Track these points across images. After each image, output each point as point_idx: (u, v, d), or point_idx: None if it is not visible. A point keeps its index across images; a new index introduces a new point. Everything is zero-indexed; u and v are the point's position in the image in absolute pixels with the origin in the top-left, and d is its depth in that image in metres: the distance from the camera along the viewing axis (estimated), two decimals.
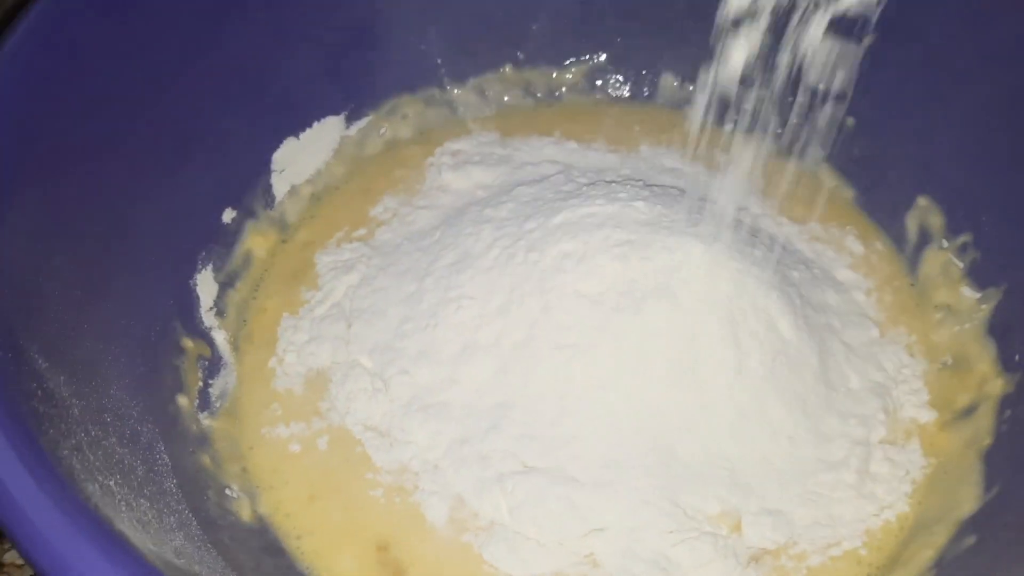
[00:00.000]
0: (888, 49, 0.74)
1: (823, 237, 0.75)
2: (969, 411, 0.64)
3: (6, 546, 0.65)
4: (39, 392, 0.44)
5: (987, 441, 0.62)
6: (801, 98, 0.80)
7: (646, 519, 0.58)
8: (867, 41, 0.75)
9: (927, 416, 0.65)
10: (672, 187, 0.75)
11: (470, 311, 0.66)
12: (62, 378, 0.48)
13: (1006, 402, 0.62)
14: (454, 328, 0.66)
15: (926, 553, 0.57)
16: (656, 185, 0.74)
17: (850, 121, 0.78)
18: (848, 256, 0.74)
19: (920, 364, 0.68)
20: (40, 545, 0.35)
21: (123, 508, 0.45)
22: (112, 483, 0.46)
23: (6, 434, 0.38)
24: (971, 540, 0.56)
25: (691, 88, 0.84)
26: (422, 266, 0.71)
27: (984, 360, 0.65)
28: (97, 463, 0.46)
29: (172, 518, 0.52)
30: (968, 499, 0.59)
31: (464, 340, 0.65)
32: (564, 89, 0.86)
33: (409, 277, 0.70)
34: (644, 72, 0.84)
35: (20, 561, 0.64)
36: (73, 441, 0.44)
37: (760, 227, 0.74)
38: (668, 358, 0.61)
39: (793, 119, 0.80)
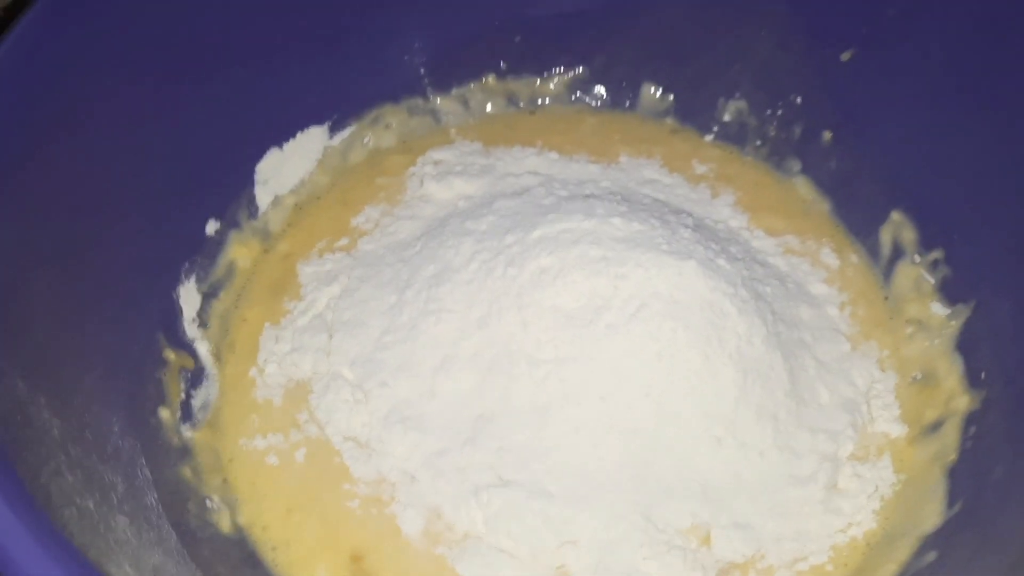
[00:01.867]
0: (866, 63, 0.75)
1: (798, 250, 0.76)
2: (936, 426, 0.65)
3: None
4: (19, 417, 0.45)
5: (952, 457, 0.63)
6: (780, 111, 0.81)
7: (619, 533, 0.59)
8: (846, 56, 0.76)
9: (898, 431, 0.67)
10: (651, 199, 0.76)
11: (449, 324, 0.67)
12: (43, 399, 0.49)
13: (971, 419, 0.64)
14: (433, 341, 0.67)
15: (889, 567, 0.59)
16: (635, 198, 0.75)
17: (827, 135, 0.79)
18: (823, 270, 0.75)
19: (891, 378, 0.69)
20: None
21: (101, 529, 0.46)
22: (91, 503, 0.47)
23: None
24: (932, 556, 0.57)
25: (671, 98, 0.85)
26: (403, 278, 0.72)
27: (952, 376, 0.67)
28: (76, 484, 0.47)
29: (152, 534, 0.53)
30: (931, 515, 0.60)
31: (443, 353, 0.66)
32: (547, 99, 0.86)
33: (390, 289, 0.71)
34: (624, 83, 0.85)
35: None
36: (52, 465, 0.45)
37: (735, 240, 0.75)
38: (642, 374, 0.62)
39: (771, 131, 0.81)
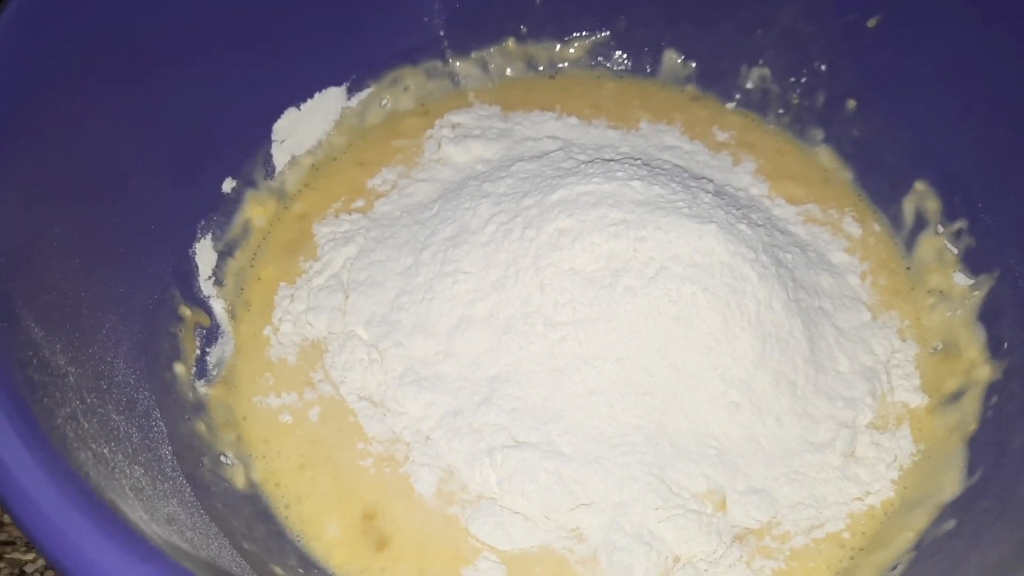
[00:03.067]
0: (893, 30, 0.74)
1: (820, 219, 0.76)
2: (956, 396, 0.65)
3: None
4: (34, 361, 0.45)
5: (972, 427, 0.62)
6: (804, 78, 0.80)
7: (633, 494, 0.59)
8: (872, 22, 0.75)
9: (918, 400, 0.66)
10: (671, 164, 0.76)
11: (466, 285, 0.66)
12: (59, 346, 0.49)
13: (993, 388, 0.63)
14: (449, 302, 0.66)
15: (906, 535, 0.58)
16: (655, 164, 0.74)
17: (851, 103, 0.78)
18: (844, 239, 0.74)
19: (912, 348, 0.69)
20: (31, 512, 0.36)
21: (116, 475, 0.46)
22: (106, 451, 0.47)
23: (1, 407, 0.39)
24: (951, 524, 0.57)
25: (693, 65, 0.84)
26: (420, 239, 0.71)
27: (973, 346, 0.66)
28: (92, 431, 0.47)
29: (166, 484, 0.53)
30: (951, 483, 0.60)
31: (459, 314, 0.66)
32: (566, 64, 0.85)
33: (406, 250, 0.71)
34: (646, 49, 0.84)
35: None
36: (68, 409, 0.45)
37: (756, 207, 0.74)
38: (659, 336, 0.62)
39: (794, 99, 0.80)
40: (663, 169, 0.73)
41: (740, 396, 0.62)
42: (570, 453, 0.60)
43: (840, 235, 0.75)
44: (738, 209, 0.69)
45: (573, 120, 0.81)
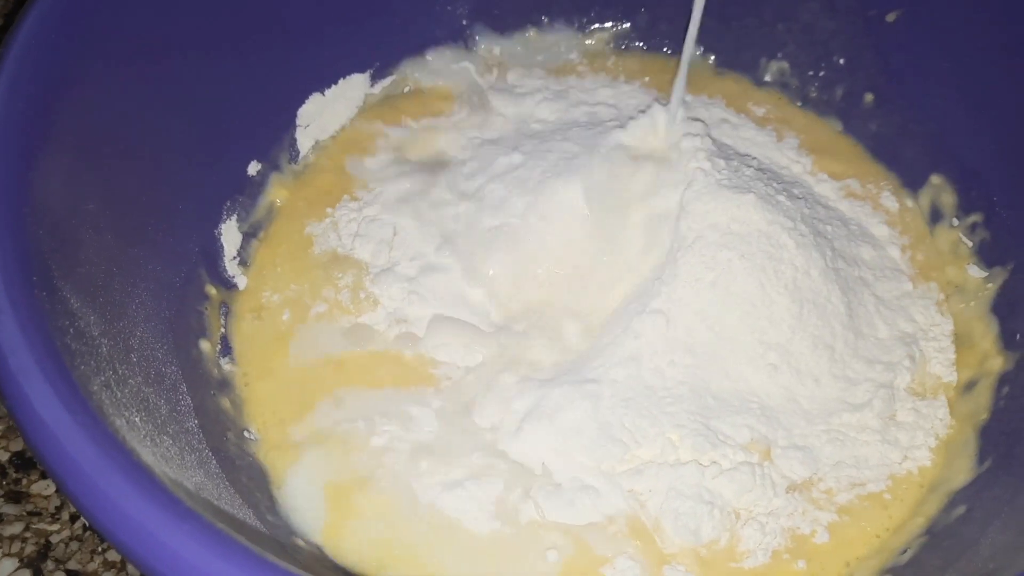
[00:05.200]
0: (912, 24, 0.75)
1: (860, 193, 0.76)
2: (969, 386, 0.65)
3: (33, 476, 0.68)
4: (71, 330, 0.46)
5: (984, 416, 0.63)
6: (822, 72, 0.81)
7: (680, 438, 0.59)
8: (892, 17, 0.75)
9: (951, 376, 0.66)
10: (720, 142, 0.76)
11: (516, 234, 0.68)
12: (92, 317, 0.50)
13: (1005, 379, 0.64)
14: (497, 248, 0.69)
15: (917, 521, 0.59)
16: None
17: (869, 96, 0.78)
18: (883, 213, 0.75)
19: (949, 323, 0.69)
20: (73, 473, 0.37)
21: (148, 443, 0.47)
22: (138, 419, 0.48)
23: (42, 368, 0.40)
24: (961, 510, 0.58)
25: (712, 59, 0.84)
26: (460, 186, 0.73)
27: (987, 338, 0.67)
28: (124, 399, 0.48)
29: (193, 456, 0.54)
30: (961, 471, 0.61)
31: (507, 262, 0.68)
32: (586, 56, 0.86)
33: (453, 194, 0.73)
34: (667, 41, 0.85)
35: (47, 492, 0.67)
36: (102, 378, 0.47)
37: (799, 183, 0.75)
38: (697, 301, 0.63)
39: (812, 92, 0.81)
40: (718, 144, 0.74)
41: (778, 358, 0.63)
42: (614, 399, 0.61)
43: (879, 209, 0.75)
44: (779, 183, 0.70)
45: (626, 87, 0.82)
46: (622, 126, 0.72)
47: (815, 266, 0.65)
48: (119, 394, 0.48)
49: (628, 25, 0.86)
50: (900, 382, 0.65)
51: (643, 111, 0.72)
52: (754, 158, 0.74)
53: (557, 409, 0.60)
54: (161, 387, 0.56)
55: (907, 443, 0.62)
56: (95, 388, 0.44)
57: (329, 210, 0.74)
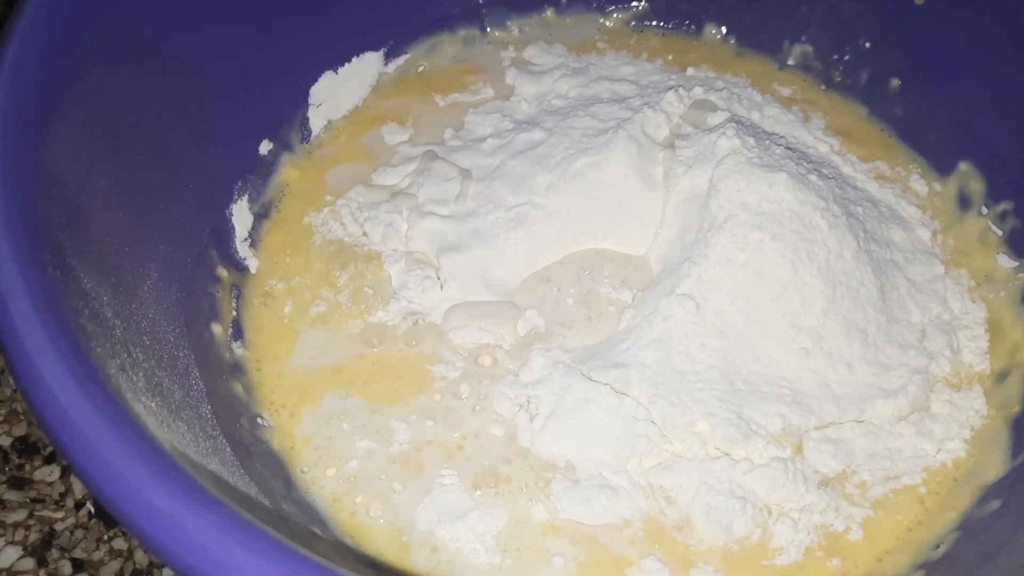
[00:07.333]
0: (942, 8, 0.73)
1: (889, 176, 0.75)
2: (1000, 378, 0.64)
3: (36, 462, 0.66)
4: (86, 310, 0.44)
5: (1016, 409, 0.62)
6: (847, 55, 0.79)
7: (711, 428, 0.58)
8: (920, 1, 0.74)
9: (983, 365, 0.65)
10: (749, 122, 0.74)
11: (535, 223, 0.67)
12: (106, 298, 0.48)
13: None
14: (518, 237, 0.67)
15: (950, 515, 0.58)
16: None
17: (895, 81, 0.77)
18: (913, 196, 0.74)
19: (981, 311, 0.68)
20: (94, 460, 0.36)
21: (165, 429, 0.45)
22: (154, 404, 0.47)
23: (58, 350, 0.38)
24: (995, 504, 0.56)
25: (733, 40, 0.83)
26: (485, 169, 0.71)
27: (1017, 328, 0.65)
28: (139, 384, 0.46)
29: (207, 443, 0.52)
30: (994, 464, 0.59)
31: (529, 248, 0.67)
32: (604, 37, 0.84)
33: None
34: (687, 22, 0.83)
35: (51, 478, 0.65)
36: (118, 361, 0.45)
37: (827, 163, 0.73)
38: (728, 282, 0.61)
39: (836, 77, 0.79)
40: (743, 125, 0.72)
41: (810, 342, 0.61)
42: (643, 386, 0.59)
43: (909, 192, 0.74)
44: (809, 163, 0.68)
45: (648, 65, 0.80)
46: (647, 103, 0.70)
47: (848, 247, 0.63)
48: (134, 378, 0.46)
49: (646, 5, 0.84)
50: (937, 370, 0.63)
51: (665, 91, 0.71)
52: (782, 137, 0.73)
53: (582, 405, 0.59)
54: (174, 371, 0.54)
55: (941, 435, 0.61)
56: (112, 371, 0.42)
57: (341, 191, 0.72)
